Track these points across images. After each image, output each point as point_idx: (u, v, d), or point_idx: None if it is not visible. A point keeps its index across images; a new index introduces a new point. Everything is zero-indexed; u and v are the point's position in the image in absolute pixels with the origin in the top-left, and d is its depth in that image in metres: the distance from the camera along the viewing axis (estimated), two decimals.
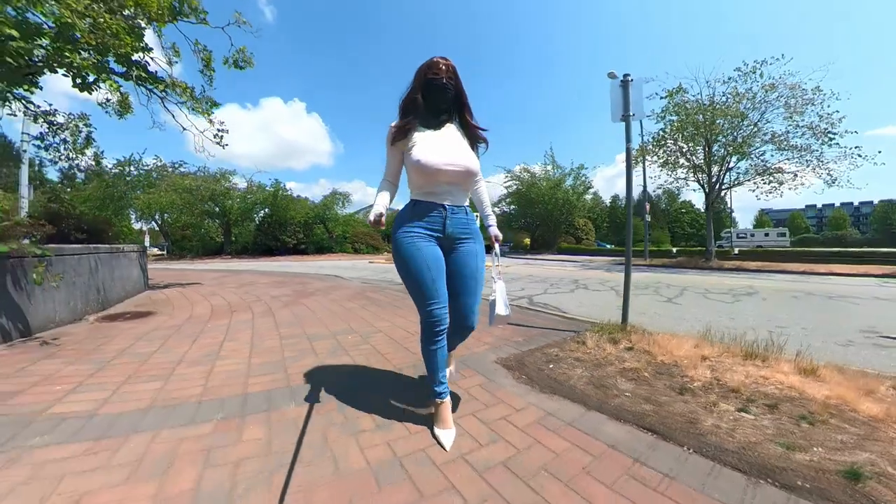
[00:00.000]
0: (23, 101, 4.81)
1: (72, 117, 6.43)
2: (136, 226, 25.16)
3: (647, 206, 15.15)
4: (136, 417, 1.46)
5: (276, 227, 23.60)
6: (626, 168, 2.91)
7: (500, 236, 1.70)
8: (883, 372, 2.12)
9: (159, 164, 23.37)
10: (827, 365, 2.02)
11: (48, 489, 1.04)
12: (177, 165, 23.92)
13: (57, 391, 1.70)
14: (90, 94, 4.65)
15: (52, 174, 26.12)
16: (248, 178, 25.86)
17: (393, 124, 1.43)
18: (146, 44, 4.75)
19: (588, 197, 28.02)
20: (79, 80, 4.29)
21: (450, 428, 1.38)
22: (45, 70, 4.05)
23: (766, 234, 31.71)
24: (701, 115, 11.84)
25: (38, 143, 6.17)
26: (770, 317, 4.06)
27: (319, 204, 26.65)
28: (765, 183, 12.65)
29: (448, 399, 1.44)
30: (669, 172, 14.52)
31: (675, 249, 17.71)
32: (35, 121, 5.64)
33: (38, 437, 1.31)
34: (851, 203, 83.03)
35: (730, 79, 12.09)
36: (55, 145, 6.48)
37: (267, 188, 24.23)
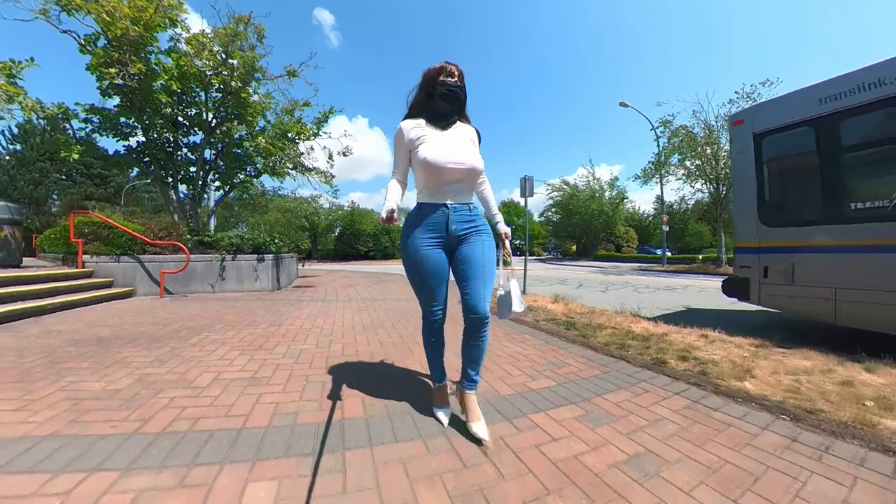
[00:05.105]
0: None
1: (257, 185, 11.37)
2: None
3: (665, 218, 17.00)
4: (363, 297, 5.41)
5: (352, 237, 29.26)
6: (525, 223, 6.20)
7: (509, 232, 1.71)
8: (618, 310, 5.18)
9: (262, 190, 30.89)
10: (579, 304, 5.17)
11: (341, 310, 4.90)
12: (276, 190, 31.29)
13: (332, 293, 5.69)
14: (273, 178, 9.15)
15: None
16: (329, 198, 32.46)
17: (404, 124, 1.53)
18: (302, 152, 9.18)
19: (628, 206, 29.19)
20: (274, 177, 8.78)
21: (447, 406, 1.63)
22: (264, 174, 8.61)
23: None
24: (696, 140, 13.81)
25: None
26: (647, 299, 6.90)
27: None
28: None
29: (445, 384, 1.69)
30: (692, 184, 16.38)
31: (700, 257, 18.81)
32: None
33: (335, 300, 5.25)
34: None
35: (730, 101, 13.84)
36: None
37: (345, 207, 30.24)
